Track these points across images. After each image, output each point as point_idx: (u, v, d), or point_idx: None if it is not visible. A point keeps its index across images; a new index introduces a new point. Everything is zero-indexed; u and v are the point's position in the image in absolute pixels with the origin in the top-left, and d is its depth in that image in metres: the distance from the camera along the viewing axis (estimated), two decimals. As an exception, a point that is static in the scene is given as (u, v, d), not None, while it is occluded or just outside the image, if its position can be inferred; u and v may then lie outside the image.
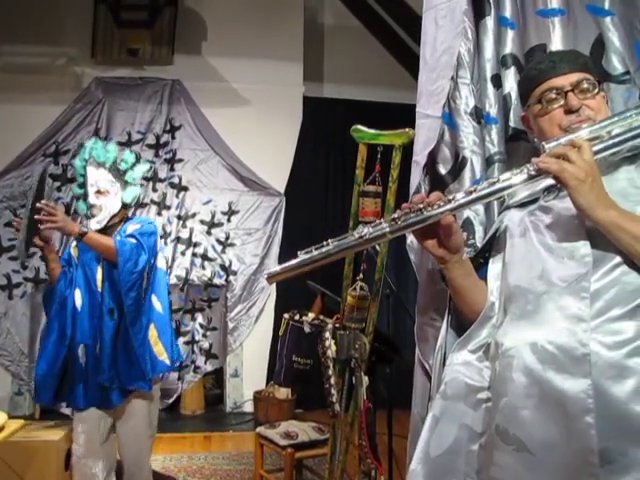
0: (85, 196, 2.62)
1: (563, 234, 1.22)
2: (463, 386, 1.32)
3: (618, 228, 1.13)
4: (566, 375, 1.11)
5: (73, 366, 2.53)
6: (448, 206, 1.25)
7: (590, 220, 1.16)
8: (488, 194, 1.24)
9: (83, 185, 2.65)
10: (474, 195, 1.24)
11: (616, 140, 1.21)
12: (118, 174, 2.65)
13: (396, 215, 1.27)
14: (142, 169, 2.75)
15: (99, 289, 2.56)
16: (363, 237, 1.26)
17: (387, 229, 1.26)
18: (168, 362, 2.67)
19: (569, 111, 1.29)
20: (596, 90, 1.31)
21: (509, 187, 1.23)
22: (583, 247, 1.18)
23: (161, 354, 2.63)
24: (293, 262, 1.31)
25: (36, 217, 2.36)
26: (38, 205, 2.36)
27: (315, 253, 1.28)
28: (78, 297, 2.57)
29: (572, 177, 1.14)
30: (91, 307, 2.55)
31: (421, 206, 1.25)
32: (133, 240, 2.54)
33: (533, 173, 1.21)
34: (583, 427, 1.08)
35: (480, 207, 1.63)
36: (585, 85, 1.30)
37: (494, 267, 1.40)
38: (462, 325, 1.43)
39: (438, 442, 1.30)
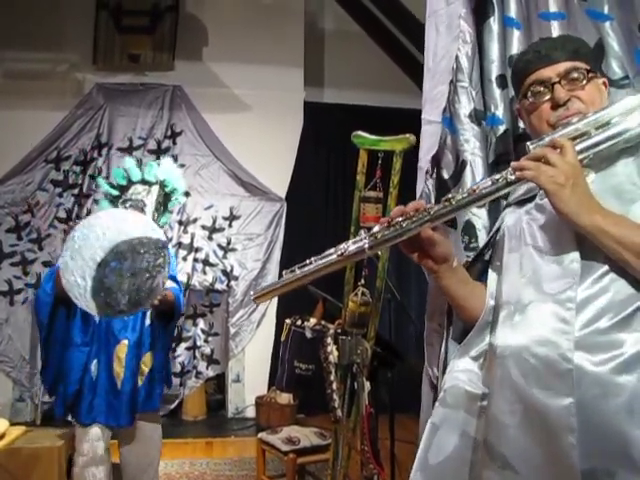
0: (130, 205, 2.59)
1: (554, 236, 1.16)
2: (463, 393, 1.25)
3: (602, 233, 1.05)
4: (549, 392, 1.05)
5: (83, 379, 2.50)
6: (425, 219, 1.18)
7: (573, 226, 1.09)
8: (466, 203, 1.16)
9: (121, 190, 2.63)
10: (454, 204, 1.16)
11: (605, 135, 1.14)
12: (166, 201, 2.73)
13: (376, 230, 1.21)
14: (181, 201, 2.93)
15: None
16: (343, 254, 1.22)
17: (366, 245, 1.21)
18: None
19: (556, 105, 1.21)
20: (586, 80, 1.21)
21: (488, 195, 1.15)
22: (571, 252, 1.12)
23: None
24: (278, 282, 1.29)
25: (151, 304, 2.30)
26: (159, 298, 2.26)
27: (298, 272, 1.25)
28: None
29: (549, 181, 1.06)
30: (107, 323, 2.53)
31: (400, 219, 1.19)
32: (176, 286, 2.60)
33: (512, 179, 1.12)
34: (565, 447, 1.02)
35: (482, 210, 1.61)
36: (574, 75, 1.21)
37: (492, 269, 1.34)
38: (465, 332, 1.38)
39: (437, 450, 1.25)
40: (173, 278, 2.61)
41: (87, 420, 2.49)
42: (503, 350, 1.15)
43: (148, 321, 2.56)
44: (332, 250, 1.24)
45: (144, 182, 2.63)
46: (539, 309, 1.12)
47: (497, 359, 1.16)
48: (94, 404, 2.48)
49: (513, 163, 1.14)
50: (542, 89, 1.23)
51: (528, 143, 1.19)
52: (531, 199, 1.27)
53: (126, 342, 2.51)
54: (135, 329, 2.53)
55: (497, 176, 1.16)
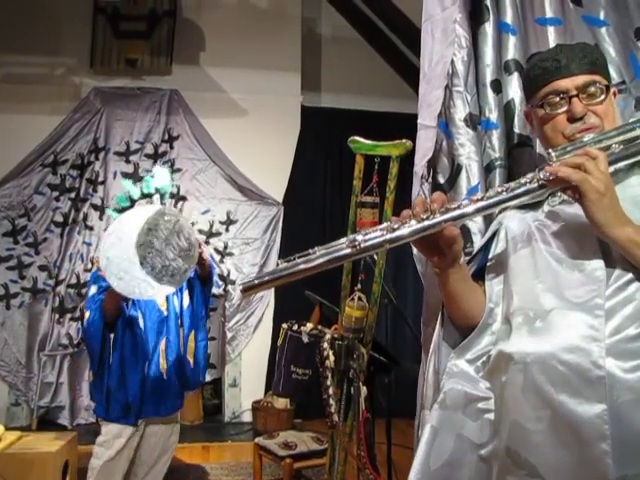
0: None
1: (573, 244, 1.15)
2: (462, 395, 1.24)
3: (635, 245, 1.05)
4: (580, 399, 1.04)
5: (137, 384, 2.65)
6: (452, 214, 1.12)
7: (604, 237, 1.08)
8: (494, 203, 1.13)
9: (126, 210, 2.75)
10: (480, 204, 1.12)
11: (628, 152, 1.15)
12: (161, 200, 2.92)
13: (395, 226, 1.13)
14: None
15: (162, 307, 2.73)
16: (357, 246, 1.11)
17: (387, 237, 1.12)
18: None
19: (573, 118, 1.21)
20: (604, 95, 1.22)
21: (516, 197, 1.12)
22: (594, 260, 1.11)
23: None
24: (270, 275, 1.15)
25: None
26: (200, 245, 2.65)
27: (299, 262, 1.13)
28: (140, 318, 2.70)
29: (594, 190, 1.05)
30: (149, 331, 2.68)
31: (424, 217, 1.12)
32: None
33: (544, 183, 1.10)
34: (598, 454, 1.01)
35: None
36: (592, 89, 1.21)
37: (493, 271, 1.32)
38: (456, 336, 1.36)
39: (437, 454, 1.22)
40: None
41: (137, 419, 2.61)
42: (523, 357, 1.13)
43: (187, 301, 2.80)
44: (341, 241, 1.13)
45: (144, 196, 2.79)
46: (564, 316, 1.11)
47: (515, 365, 1.14)
48: (145, 403, 2.62)
49: (550, 167, 1.11)
50: (559, 100, 1.23)
51: (551, 150, 1.17)
52: (533, 205, 1.25)
53: (164, 340, 2.71)
54: (171, 328, 2.71)
55: (525, 179, 1.13)
